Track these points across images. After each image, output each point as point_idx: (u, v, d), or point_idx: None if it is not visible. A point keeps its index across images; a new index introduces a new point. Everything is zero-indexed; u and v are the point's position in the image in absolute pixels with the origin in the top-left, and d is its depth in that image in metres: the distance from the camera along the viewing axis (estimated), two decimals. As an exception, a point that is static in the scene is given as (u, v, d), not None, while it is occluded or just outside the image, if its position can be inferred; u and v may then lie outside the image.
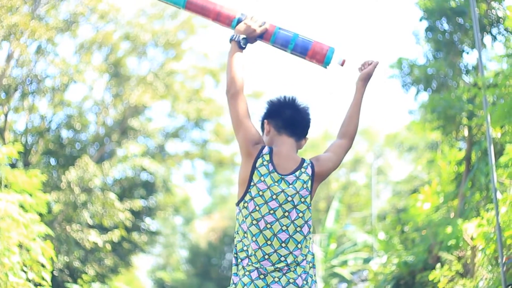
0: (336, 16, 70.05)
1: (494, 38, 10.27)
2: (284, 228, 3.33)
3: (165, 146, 24.79)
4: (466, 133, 11.04)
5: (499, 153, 8.53)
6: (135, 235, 21.40)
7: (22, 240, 7.44)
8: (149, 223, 22.84)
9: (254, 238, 3.33)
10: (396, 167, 34.29)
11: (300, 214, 3.38)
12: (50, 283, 7.70)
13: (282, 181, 3.38)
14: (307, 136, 3.61)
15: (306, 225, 3.38)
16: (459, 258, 9.46)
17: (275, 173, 3.39)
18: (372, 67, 3.72)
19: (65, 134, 19.54)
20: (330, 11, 71.46)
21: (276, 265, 3.29)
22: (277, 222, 3.33)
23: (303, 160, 3.47)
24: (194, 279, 36.44)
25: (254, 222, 3.35)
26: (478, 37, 7.22)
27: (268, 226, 3.32)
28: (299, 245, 3.34)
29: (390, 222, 13.96)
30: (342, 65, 3.65)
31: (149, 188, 22.22)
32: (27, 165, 16.83)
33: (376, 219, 21.46)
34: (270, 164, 3.40)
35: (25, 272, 7.40)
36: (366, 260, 19.64)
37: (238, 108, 3.44)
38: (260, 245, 3.31)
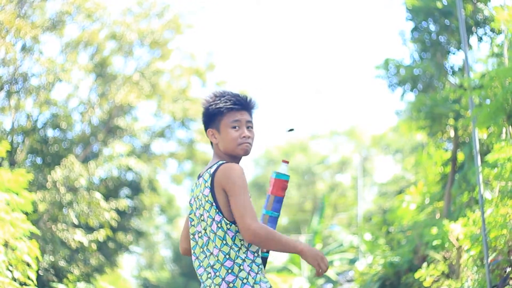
0: (324, 17, 70.23)
1: (480, 39, 10.31)
2: (203, 232, 3.33)
3: (151, 145, 24.76)
4: (452, 134, 11.09)
5: (485, 154, 8.58)
6: (120, 235, 21.35)
7: (7, 239, 7.40)
8: (135, 222, 22.80)
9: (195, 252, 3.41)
10: (382, 168, 34.44)
11: (207, 214, 3.31)
12: (35, 282, 7.66)
13: (196, 185, 3.42)
14: (209, 131, 3.47)
15: (214, 222, 3.26)
16: (445, 259, 9.50)
17: (197, 179, 3.44)
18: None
19: (51, 133, 19.43)
20: (317, 12, 71.59)
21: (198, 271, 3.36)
22: (199, 226, 3.35)
23: (217, 162, 3.38)
24: (179, 278, 36.38)
25: (191, 236, 3.42)
26: (464, 38, 7.25)
27: (199, 235, 3.35)
28: (212, 244, 3.27)
29: (376, 223, 14.01)
30: (286, 162, 3.59)
31: (134, 187, 22.18)
32: (12, 164, 16.73)
33: (362, 219, 21.51)
34: (197, 178, 3.46)
35: (10, 271, 7.36)
36: (352, 261, 19.71)
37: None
38: (198, 257, 3.36)
